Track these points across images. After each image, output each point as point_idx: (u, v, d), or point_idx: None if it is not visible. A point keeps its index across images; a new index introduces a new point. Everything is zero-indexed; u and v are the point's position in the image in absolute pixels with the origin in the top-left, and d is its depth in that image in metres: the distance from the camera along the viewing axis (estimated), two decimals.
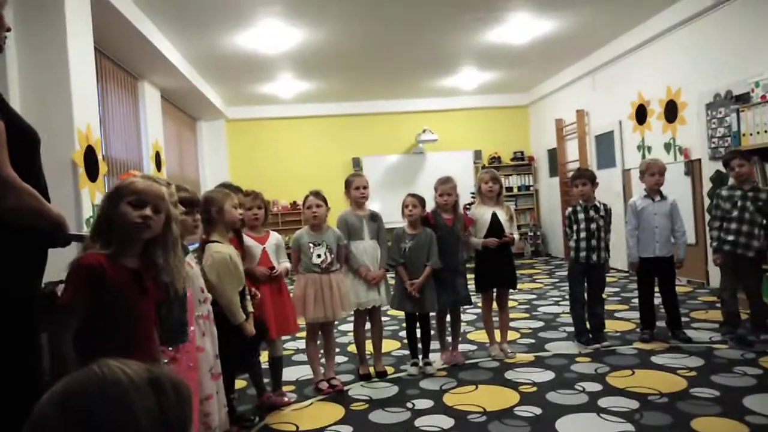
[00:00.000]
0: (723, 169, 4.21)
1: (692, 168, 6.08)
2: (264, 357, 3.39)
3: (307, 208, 3.53)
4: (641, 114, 6.97)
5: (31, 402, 1.59)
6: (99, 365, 0.73)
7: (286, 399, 3.31)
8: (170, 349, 2.02)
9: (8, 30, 1.69)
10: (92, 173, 4.01)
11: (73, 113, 3.86)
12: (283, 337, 3.58)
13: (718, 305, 4.27)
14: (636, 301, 4.46)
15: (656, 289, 4.21)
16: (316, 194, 3.55)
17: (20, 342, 1.55)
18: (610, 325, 4.51)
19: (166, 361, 1.98)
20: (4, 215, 1.45)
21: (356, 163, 9.84)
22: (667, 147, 6.48)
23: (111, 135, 5.61)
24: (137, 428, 0.69)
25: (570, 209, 4.23)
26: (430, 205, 3.93)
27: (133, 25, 4.96)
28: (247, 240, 3.24)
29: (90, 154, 4.02)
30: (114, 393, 0.70)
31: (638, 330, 4.31)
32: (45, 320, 1.61)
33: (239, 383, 3.47)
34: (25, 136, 1.61)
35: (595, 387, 3.27)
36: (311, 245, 3.46)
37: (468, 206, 8.82)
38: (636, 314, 4.54)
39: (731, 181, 4.07)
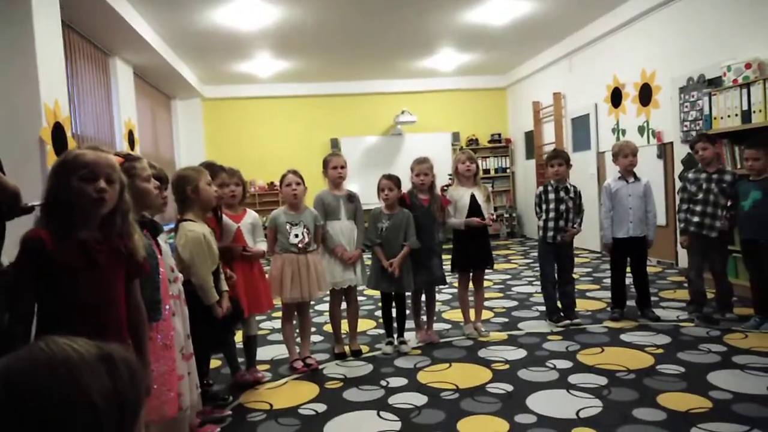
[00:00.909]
0: None
1: (665, 151, 6.18)
2: (238, 336, 3.39)
3: (287, 185, 3.50)
4: (616, 97, 7.04)
5: None
6: (45, 342, 0.69)
7: (260, 375, 3.33)
8: None
9: None
10: (61, 151, 3.92)
11: (40, 89, 3.76)
12: (258, 317, 3.57)
13: (686, 285, 4.39)
14: (607, 281, 4.56)
15: (627, 269, 4.30)
16: (295, 172, 3.53)
17: None
18: (582, 305, 4.61)
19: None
20: None
21: (334, 143, 9.78)
22: (641, 130, 6.57)
23: (81, 112, 5.48)
24: (92, 407, 0.65)
25: (541, 189, 4.29)
26: (406, 186, 3.94)
27: None
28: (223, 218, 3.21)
29: (58, 131, 3.92)
30: (64, 370, 0.66)
31: (609, 309, 4.41)
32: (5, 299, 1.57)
33: (214, 362, 3.47)
34: None
35: (565, 364, 3.34)
36: (288, 225, 3.45)
37: (445, 188, 8.87)
38: (607, 294, 4.64)
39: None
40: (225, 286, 2.79)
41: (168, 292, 2.26)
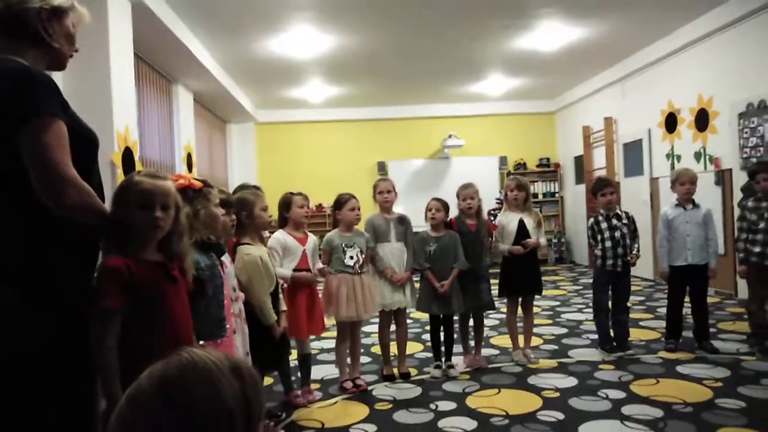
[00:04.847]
0: None
1: (723, 177, 6.01)
2: (293, 355, 3.48)
3: (350, 209, 3.59)
4: (671, 122, 6.91)
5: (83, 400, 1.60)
6: (188, 352, 0.80)
7: (311, 396, 3.39)
8: (209, 343, 2.11)
9: (76, 50, 1.77)
10: (129, 174, 4.15)
11: (113, 116, 4.02)
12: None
13: (746, 317, 4.23)
14: (661, 310, 4.44)
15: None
16: (355, 197, 3.64)
17: (80, 342, 1.57)
18: (635, 334, 4.50)
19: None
20: (63, 211, 1.51)
21: (381, 167, 9.92)
22: (698, 156, 6.42)
23: (146, 136, 5.78)
24: (228, 411, 0.77)
25: (591, 220, 4.24)
26: (453, 211, 3.98)
27: (170, 30, 5.12)
28: (289, 240, 3.35)
29: (127, 155, 4.17)
30: (206, 378, 0.78)
31: (663, 339, 4.29)
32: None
33: (266, 380, 3.56)
34: (85, 138, 1.67)
35: (618, 394, 3.27)
36: (344, 246, 3.55)
37: (493, 212, 8.85)
38: (661, 323, 4.52)
39: None
40: (283, 306, 2.89)
41: (231, 311, 2.37)
